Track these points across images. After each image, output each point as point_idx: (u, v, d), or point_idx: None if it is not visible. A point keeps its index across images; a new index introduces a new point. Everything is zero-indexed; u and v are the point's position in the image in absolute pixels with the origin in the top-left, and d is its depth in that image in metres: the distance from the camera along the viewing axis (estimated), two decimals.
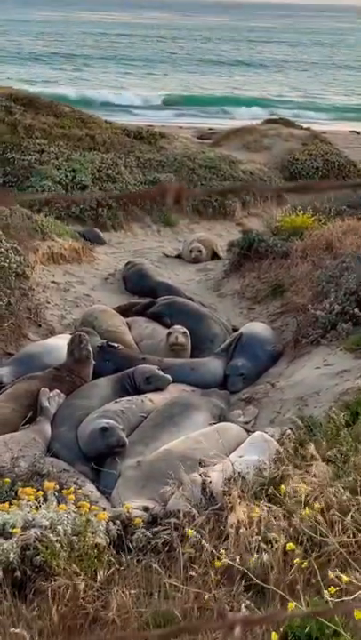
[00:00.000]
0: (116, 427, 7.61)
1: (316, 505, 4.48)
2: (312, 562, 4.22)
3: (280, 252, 11.79)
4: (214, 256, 13.81)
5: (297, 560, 4.18)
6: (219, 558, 4.27)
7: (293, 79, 46.60)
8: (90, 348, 8.92)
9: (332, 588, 3.69)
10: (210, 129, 26.06)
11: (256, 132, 20.09)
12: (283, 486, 4.73)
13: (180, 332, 9.79)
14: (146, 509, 5.60)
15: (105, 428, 7.54)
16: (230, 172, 17.03)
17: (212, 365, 9.51)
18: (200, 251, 13.62)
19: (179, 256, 14.00)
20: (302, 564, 4.16)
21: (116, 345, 9.47)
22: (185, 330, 9.85)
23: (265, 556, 4.25)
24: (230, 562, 4.25)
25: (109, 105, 33.17)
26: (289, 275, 11.22)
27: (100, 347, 9.35)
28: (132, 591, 4.06)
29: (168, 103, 37.34)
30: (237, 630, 1.29)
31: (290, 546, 4.28)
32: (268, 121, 21.52)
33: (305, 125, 21.82)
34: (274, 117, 22.50)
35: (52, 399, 8.32)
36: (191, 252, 13.66)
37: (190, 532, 4.53)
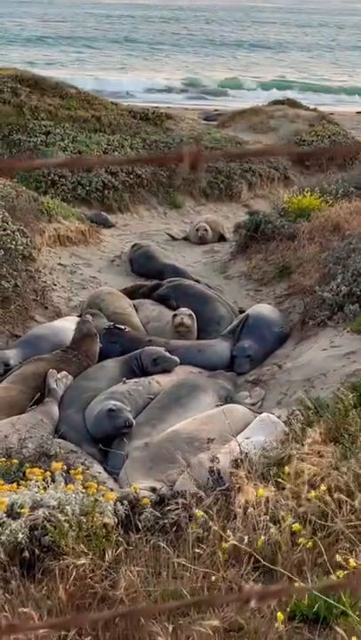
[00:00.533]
0: (122, 408, 7.62)
1: (323, 487, 4.48)
2: (319, 543, 4.23)
3: (287, 234, 11.75)
4: (221, 238, 13.78)
5: (302, 540, 4.19)
6: (226, 540, 4.28)
7: (299, 60, 46.15)
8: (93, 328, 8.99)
9: (340, 571, 3.71)
10: (216, 110, 25.93)
11: (262, 114, 19.97)
12: (289, 467, 4.73)
13: (185, 314, 9.78)
14: (153, 490, 5.62)
15: (112, 410, 7.56)
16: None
17: (219, 347, 9.51)
18: (206, 230, 13.58)
19: (185, 238, 13.97)
20: (309, 543, 4.17)
21: (122, 327, 9.48)
22: (191, 312, 9.84)
23: (273, 537, 4.26)
24: (238, 542, 4.26)
25: (113, 92, 32.80)
26: (296, 256, 11.19)
27: (106, 329, 9.35)
28: (140, 568, 4.07)
29: (189, 85, 36.78)
30: (253, 603, 1.29)
31: (296, 527, 4.28)
32: (275, 102, 21.37)
33: (311, 106, 21.68)
34: (280, 98, 22.32)
35: (59, 381, 8.34)
36: (197, 230, 13.62)
37: (198, 513, 4.54)
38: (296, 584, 3.65)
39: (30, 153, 15.49)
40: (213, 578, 4.10)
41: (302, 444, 5.23)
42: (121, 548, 4.46)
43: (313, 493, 4.41)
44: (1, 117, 16.69)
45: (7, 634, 1.23)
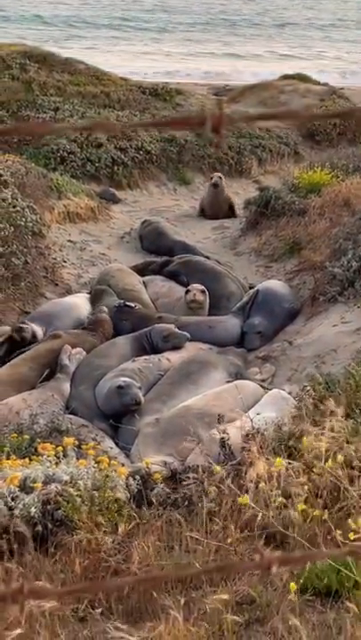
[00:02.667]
0: (132, 384, 7.64)
1: (339, 457, 4.48)
2: (333, 514, 4.24)
3: (297, 210, 11.69)
4: (230, 210, 13.71)
5: (317, 512, 4.20)
6: (239, 513, 4.30)
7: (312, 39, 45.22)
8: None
9: (352, 533, 3.71)
10: (226, 85, 25.72)
11: (273, 88, 19.81)
12: (303, 440, 4.74)
13: (198, 290, 9.76)
14: (165, 464, 5.64)
15: (121, 387, 7.58)
16: (247, 129, 16.82)
17: (230, 323, 9.50)
18: (220, 177, 13.52)
19: (202, 211, 13.80)
20: (322, 516, 4.18)
21: (132, 304, 9.48)
22: (203, 288, 9.81)
23: (285, 510, 4.27)
24: (250, 516, 4.28)
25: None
26: (306, 232, 11.15)
27: (116, 307, 9.37)
28: (154, 541, 4.10)
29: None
30: (274, 569, 1.29)
31: (301, 506, 4.29)
32: (285, 77, 21.18)
33: (322, 81, 21.49)
34: (291, 73, 22.12)
35: (72, 356, 8.35)
36: (212, 178, 13.54)
37: (211, 489, 4.54)
38: None
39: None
40: (226, 551, 4.12)
41: (314, 420, 5.23)
42: (133, 523, 4.48)
43: (329, 463, 4.41)
44: (10, 94, 16.61)
45: (31, 598, 1.24)
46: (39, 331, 8.92)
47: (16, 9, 45.51)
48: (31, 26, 40.68)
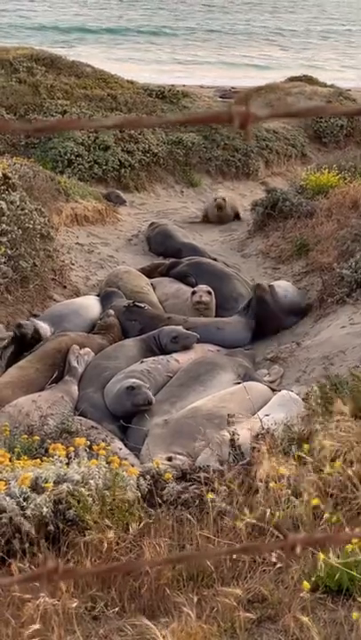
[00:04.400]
0: (142, 385, 7.67)
1: (348, 457, 4.51)
2: (340, 516, 4.27)
3: (305, 211, 11.73)
4: (236, 216, 13.74)
5: (327, 515, 4.22)
6: (241, 516, 4.32)
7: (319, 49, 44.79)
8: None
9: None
10: (232, 88, 25.75)
11: (279, 90, 19.84)
12: (313, 440, 4.76)
13: (204, 291, 9.80)
14: (169, 459, 5.67)
15: (132, 387, 7.60)
16: (254, 131, 16.86)
17: (238, 325, 9.52)
18: (224, 199, 13.51)
19: (205, 218, 13.83)
20: (332, 517, 4.21)
21: (142, 305, 9.52)
22: (209, 289, 9.85)
23: (295, 510, 4.30)
24: (259, 516, 4.31)
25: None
26: (314, 234, 11.17)
27: (126, 307, 9.41)
28: (165, 540, 4.13)
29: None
30: (298, 549, 1.32)
31: (315, 500, 4.31)
32: (292, 79, 21.21)
33: (329, 82, 21.51)
34: (297, 75, 22.14)
35: (80, 358, 8.39)
36: (215, 200, 13.55)
37: (216, 490, 4.56)
38: (320, 556, 3.70)
39: (46, 132, 15.46)
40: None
41: (322, 421, 5.25)
42: (144, 522, 4.51)
43: (338, 463, 4.44)
44: (17, 97, 16.68)
45: (63, 579, 1.27)
46: (44, 327, 8.91)
47: (21, 17, 45.41)
48: (36, 33, 40.53)
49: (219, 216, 13.57)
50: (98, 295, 10.23)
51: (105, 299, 9.91)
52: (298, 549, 1.32)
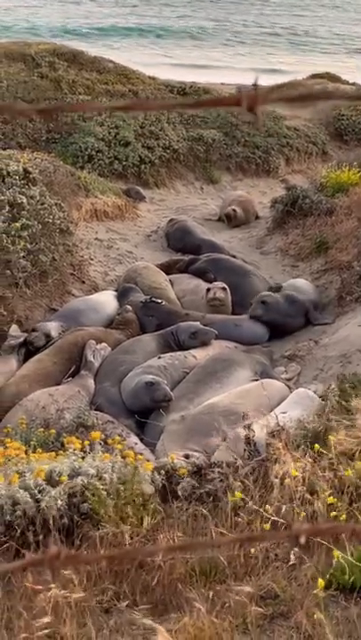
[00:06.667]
0: (161, 381, 7.67)
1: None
2: (355, 513, 4.24)
3: (324, 209, 11.67)
4: (255, 218, 13.62)
5: (342, 514, 4.20)
6: (263, 513, 4.31)
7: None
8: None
9: None
10: (254, 85, 25.63)
11: (301, 88, 19.74)
12: (330, 437, 4.74)
13: (218, 288, 9.76)
14: (186, 457, 5.66)
15: (151, 383, 7.59)
16: (275, 129, 16.82)
17: (256, 321, 9.49)
18: (235, 210, 13.38)
19: (220, 218, 13.78)
20: (342, 516, 4.18)
21: (159, 300, 9.52)
22: (224, 285, 9.81)
23: (310, 507, 4.28)
24: (274, 514, 4.29)
25: None
26: (333, 232, 11.12)
27: (143, 302, 9.41)
28: (179, 535, 4.12)
29: None
30: (303, 539, 1.31)
31: (330, 499, 4.29)
32: (314, 76, 21.12)
33: (351, 81, 21.40)
34: (319, 72, 22.04)
35: (97, 352, 8.40)
36: (227, 215, 13.44)
37: (238, 494, 4.55)
38: (335, 553, 3.68)
39: (68, 127, 15.50)
40: (252, 550, 4.14)
41: (339, 418, 5.23)
42: (159, 517, 4.51)
43: (359, 463, 4.41)
44: (39, 92, 16.71)
45: (67, 565, 1.27)
46: (54, 328, 8.91)
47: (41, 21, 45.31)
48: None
49: (232, 224, 13.40)
50: (116, 290, 10.25)
51: (122, 294, 9.92)
52: (302, 539, 1.31)
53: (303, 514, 4.22)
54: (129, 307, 9.41)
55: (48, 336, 8.78)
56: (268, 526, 4.20)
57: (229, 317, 9.57)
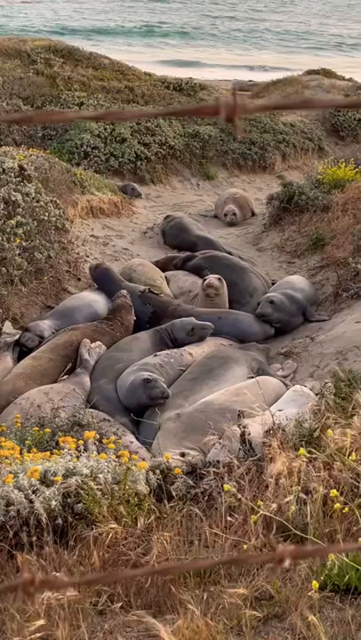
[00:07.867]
0: (157, 379, 7.64)
1: (354, 456, 4.46)
2: (354, 509, 4.21)
3: (321, 206, 11.65)
4: (251, 214, 13.61)
5: (337, 505, 4.17)
6: (257, 509, 4.29)
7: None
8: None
9: None
10: (250, 81, 25.65)
11: (297, 84, 19.73)
12: (327, 433, 4.71)
13: (214, 277, 9.73)
14: (182, 455, 5.63)
15: (148, 380, 7.57)
16: (271, 125, 16.78)
17: (241, 316, 9.44)
18: (235, 214, 13.35)
19: (216, 216, 13.74)
20: (342, 510, 4.15)
21: (157, 292, 9.58)
22: (220, 276, 9.78)
23: (305, 506, 4.25)
24: (268, 512, 4.27)
25: None
26: (330, 228, 11.10)
27: (142, 291, 9.48)
28: (173, 535, 4.09)
29: None
30: (287, 562, 1.28)
31: (333, 492, 4.26)
32: (310, 72, 21.08)
33: (347, 76, 21.36)
34: (315, 68, 21.99)
35: (92, 350, 8.38)
36: (225, 215, 13.41)
37: (227, 486, 4.53)
38: (330, 554, 3.65)
39: (63, 124, 15.45)
40: (245, 547, 4.12)
41: (335, 416, 5.20)
42: (153, 517, 4.48)
43: (353, 456, 4.38)
44: (34, 88, 16.67)
45: (43, 589, 1.24)
46: (46, 330, 8.88)
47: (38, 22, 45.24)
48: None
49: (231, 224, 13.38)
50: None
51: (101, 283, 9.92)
52: (287, 562, 1.28)
53: (293, 508, 4.20)
54: (124, 291, 9.34)
55: (41, 337, 8.76)
56: (255, 517, 4.17)
57: (215, 311, 9.44)
